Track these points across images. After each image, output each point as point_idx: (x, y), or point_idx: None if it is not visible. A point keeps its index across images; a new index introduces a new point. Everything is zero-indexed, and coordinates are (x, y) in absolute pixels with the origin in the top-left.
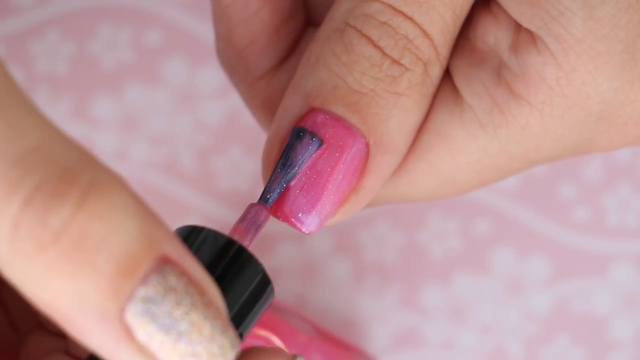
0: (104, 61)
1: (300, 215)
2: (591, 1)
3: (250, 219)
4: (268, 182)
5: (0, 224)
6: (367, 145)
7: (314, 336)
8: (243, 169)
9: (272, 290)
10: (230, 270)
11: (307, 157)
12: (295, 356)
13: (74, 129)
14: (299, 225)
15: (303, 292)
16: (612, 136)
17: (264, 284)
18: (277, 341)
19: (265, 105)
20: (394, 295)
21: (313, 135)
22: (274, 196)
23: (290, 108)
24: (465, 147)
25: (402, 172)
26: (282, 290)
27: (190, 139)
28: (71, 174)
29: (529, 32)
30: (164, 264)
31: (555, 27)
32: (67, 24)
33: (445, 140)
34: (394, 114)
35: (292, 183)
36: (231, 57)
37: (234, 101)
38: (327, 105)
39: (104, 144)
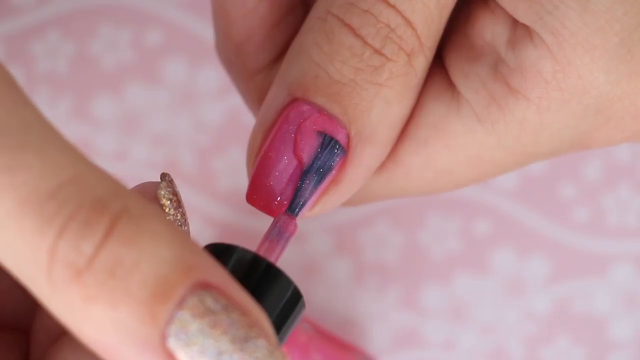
0: (104, 61)
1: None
2: None
3: (277, 232)
4: (296, 192)
5: (38, 258)
6: (348, 136)
7: (314, 336)
8: (243, 169)
9: (304, 303)
10: (261, 287)
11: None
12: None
13: (74, 129)
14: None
15: (303, 292)
16: (610, 130)
17: (296, 298)
18: None
19: (261, 100)
20: (394, 295)
21: (337, 142)
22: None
23: (275, 98)
24: (462, 141)
25: (398, 167)
26: None
27: (190, 139)
28: (102, 203)
29: (525, 27)
30: (201, 288)
31: (551, 21)
32: (67, 24)
33: (442, 135)
34: (375, 104)
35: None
36: (229, 52)
37: (234, 101)
38: (309, 96)
39: (104, 144)
